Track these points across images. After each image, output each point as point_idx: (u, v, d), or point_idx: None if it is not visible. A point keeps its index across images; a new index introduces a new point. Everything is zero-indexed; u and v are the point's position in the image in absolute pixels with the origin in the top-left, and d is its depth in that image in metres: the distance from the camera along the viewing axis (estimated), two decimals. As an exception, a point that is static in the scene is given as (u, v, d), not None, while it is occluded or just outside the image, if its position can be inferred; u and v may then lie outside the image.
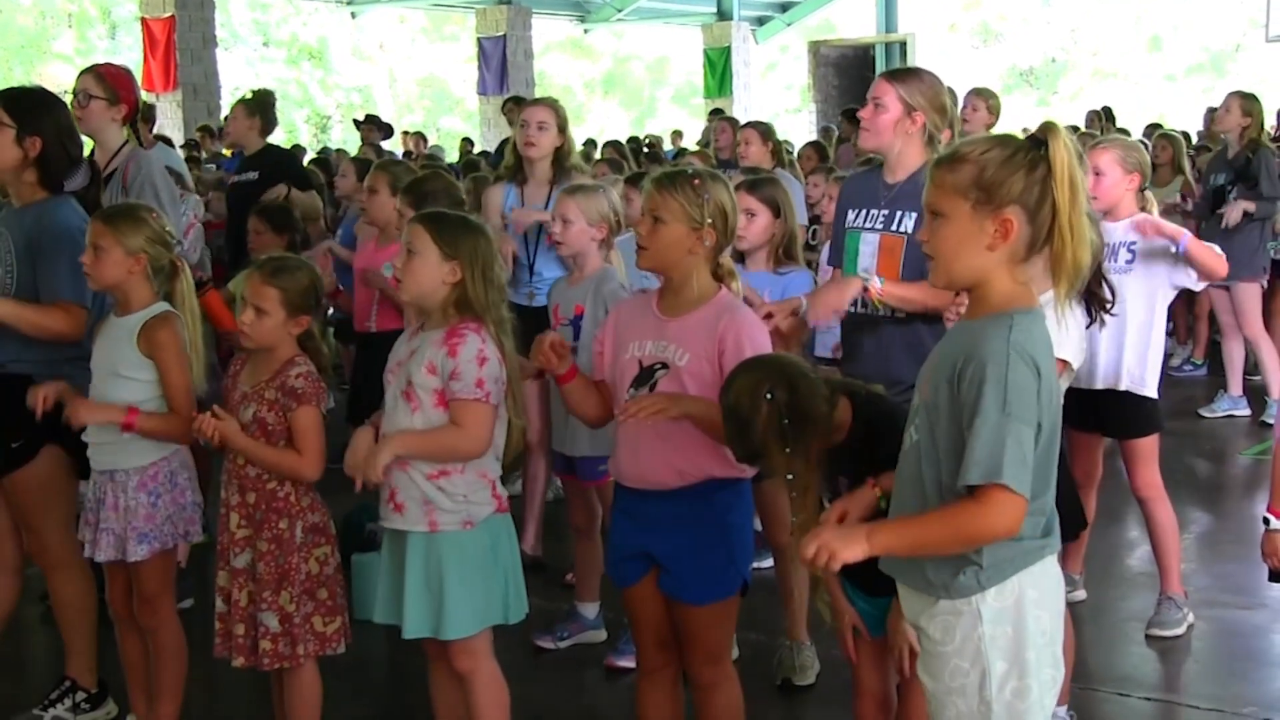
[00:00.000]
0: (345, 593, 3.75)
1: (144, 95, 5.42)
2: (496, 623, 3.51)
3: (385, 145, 13.21)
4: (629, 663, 4.31)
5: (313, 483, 3.67)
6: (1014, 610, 2.49)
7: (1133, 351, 4.72)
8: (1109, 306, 4.21)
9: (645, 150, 13.44)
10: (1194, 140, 12.04)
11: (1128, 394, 4.75)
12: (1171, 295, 4.90)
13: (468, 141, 16.69)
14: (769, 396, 2.94)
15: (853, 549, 2.42)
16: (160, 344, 3.80)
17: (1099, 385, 4.67)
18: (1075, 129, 10.13)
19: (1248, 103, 8.33)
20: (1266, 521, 3.30)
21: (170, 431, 3.82)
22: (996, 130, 6.50)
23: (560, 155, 5.64)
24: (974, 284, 2.50)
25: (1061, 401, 3.90)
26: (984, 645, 2.48)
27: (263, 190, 7.23)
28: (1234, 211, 8.05)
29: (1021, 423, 2.36)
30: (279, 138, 10.58)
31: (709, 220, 3.31)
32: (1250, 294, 8.23)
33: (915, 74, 4.27)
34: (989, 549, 2.45)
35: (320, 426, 3.63)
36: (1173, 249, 4.75)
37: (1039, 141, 2.45)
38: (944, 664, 2.53)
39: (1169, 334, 8.28)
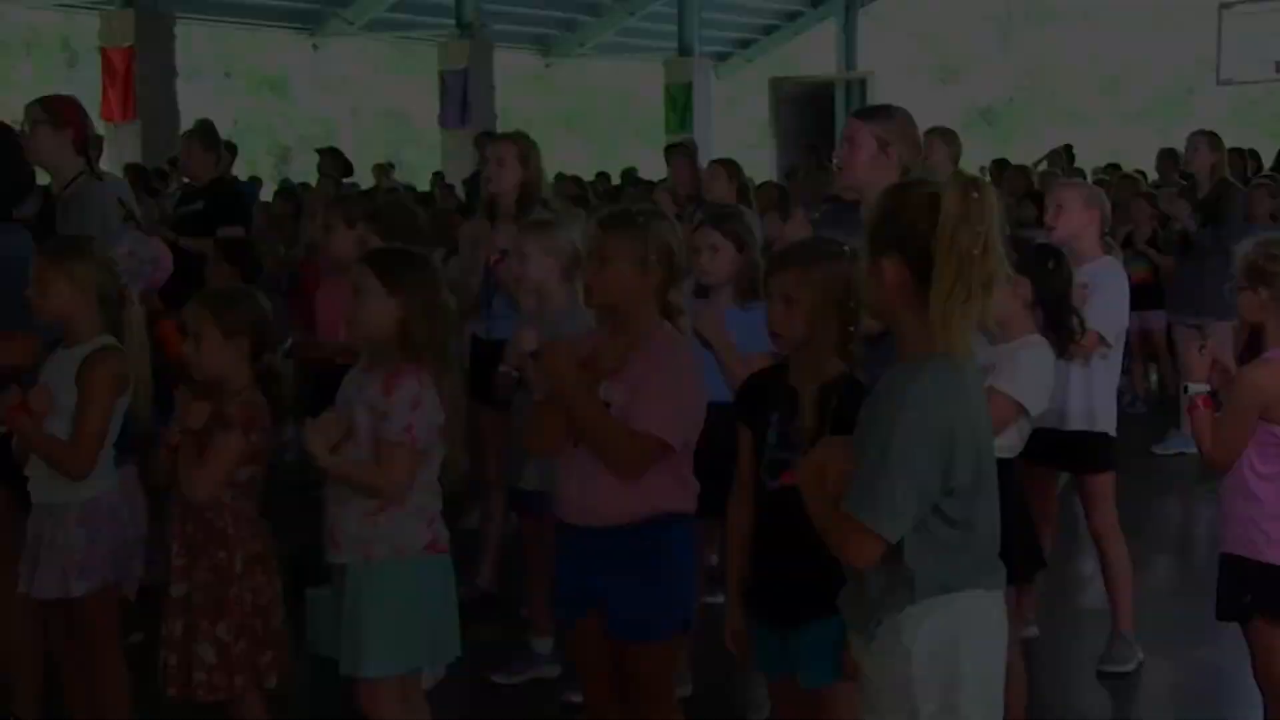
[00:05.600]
0: (286, 625, 3.70)
1: (102, 126, 5.33)
2: (413, 665, 3.47)
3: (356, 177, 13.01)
4: (583, 699, 4.30)
5: (252, 517, 3.62)
6: (948, 652, 2.48)
7: (1083, 391, 4.74)
8: (1078, 338, 4.23)
9: (609, 186, 13.35)
10: (1149, 180, 12.17)
11: (1082, 430, 4.77)
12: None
13: (439, 176, 16.56)
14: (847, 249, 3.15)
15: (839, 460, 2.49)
16: (88, 381, 3.72)
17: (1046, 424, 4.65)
18: (1022, 167, 10.18)
19: (1214, 140, 8.33)
20: (1185, 389, 3.82)
21: (52, 454, 3.70)
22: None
23: (526, 190, 5.44)
24: (889, 325, 2.54)
25: (1022, 445, 3.92)
26: (913, 687, 2.48)
27: (205, 222, 7.16)
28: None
29: (899, 473, 2.37)
30: (239, 168, 10.47)
31: (654, 258, 3.31)
32: (1224, 334, 8.27)
33: (885, 110, 4.31)
34: (918, 587, 2.47)
35: (231, 453, 3.51)
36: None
37: (934, 188, 2.44)
38: (879, 701, 2.55)
39: (1124, 372, 8.35)
